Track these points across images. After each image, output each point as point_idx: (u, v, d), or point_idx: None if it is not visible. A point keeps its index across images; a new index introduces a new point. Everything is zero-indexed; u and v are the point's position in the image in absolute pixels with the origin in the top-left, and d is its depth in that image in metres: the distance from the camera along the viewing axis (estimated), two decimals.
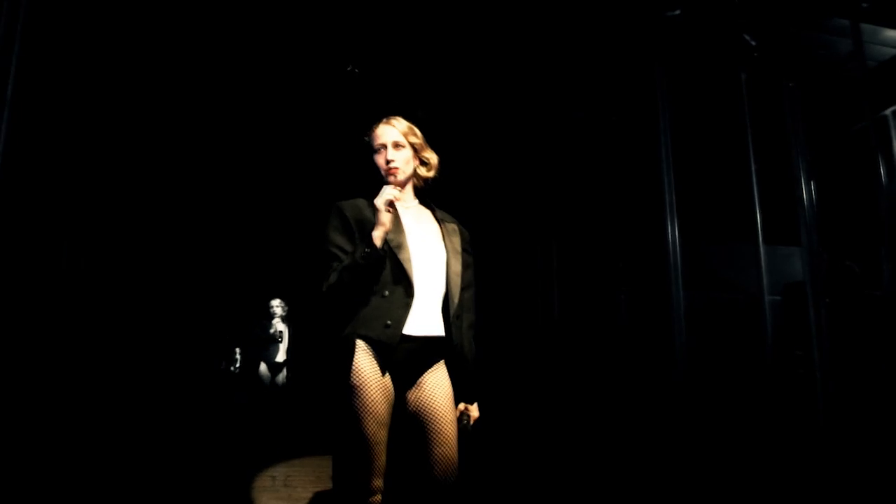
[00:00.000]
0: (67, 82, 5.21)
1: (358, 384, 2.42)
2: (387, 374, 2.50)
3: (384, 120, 2.75)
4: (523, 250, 7.14)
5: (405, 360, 2.54)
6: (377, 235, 2.47)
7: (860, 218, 6.01)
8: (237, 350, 8.73)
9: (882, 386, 4.13)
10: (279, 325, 8.25)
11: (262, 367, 8.13)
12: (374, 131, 2.72)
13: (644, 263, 6.48)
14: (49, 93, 4.78)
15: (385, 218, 2.48)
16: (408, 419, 2.58)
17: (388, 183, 2.65)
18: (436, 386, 2.58)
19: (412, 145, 2.72)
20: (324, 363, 2.64)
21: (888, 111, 6.00)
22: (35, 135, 4.37)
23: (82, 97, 5.51)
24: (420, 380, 2.58)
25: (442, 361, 2.65)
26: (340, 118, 6.68)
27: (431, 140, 2.83)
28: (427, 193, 2.87)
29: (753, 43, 4.90)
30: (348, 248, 2.54)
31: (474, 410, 2.70)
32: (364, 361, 2.45)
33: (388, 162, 2.67)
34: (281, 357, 8.20)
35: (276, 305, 8.32)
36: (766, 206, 5.82)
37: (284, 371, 8.16)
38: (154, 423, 6.91)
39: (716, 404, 5.24)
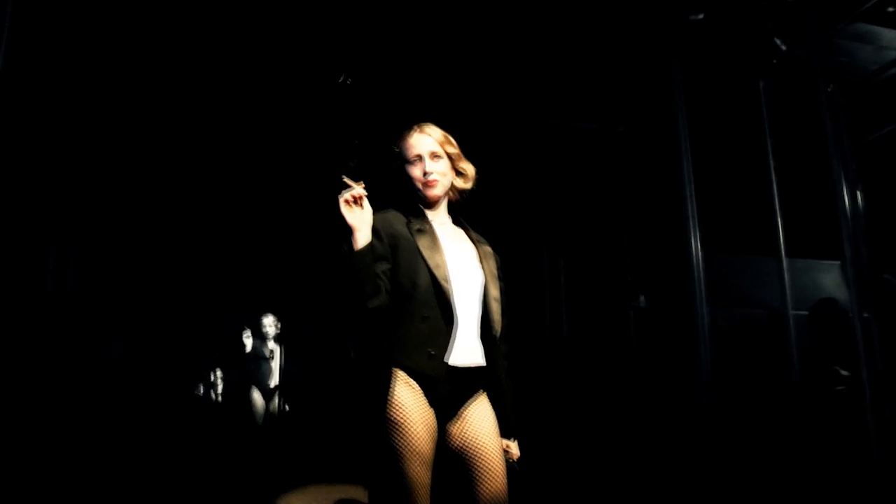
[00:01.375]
0: (45, 86, 4.90)
1: (400, 420, 2.21)
2: (430, 408, 2.30)
3: (416, 128, 2.55)
4: (529, 266, 6.87)
5: (448, 392, 2.36)
6: (353, 239, 2.25)
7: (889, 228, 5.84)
8: (218, 372, 7.99)
9: None
10: (271, 345, 7.71)
11: (255, 393, 7.48)
12: (406, 140, 2.53)
13: (659, 277, 6.23)
14: (28, 96, 4.46)
15: (351, 219, 2.24)
16: (450, 455, 2.36)
17: (425, 196, 2.51)
18: (481, 419, 2.37)
19: (448, 155, 2.55)
20: (341, 390, 2.34)
21: None
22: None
23: (55, 102, 5.20)
24: (463, 412, 2.38)
25: (484, 393, 2.45)
26: (331, 125, 6.43)
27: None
28: (458, 210, 2.67)
29: (784, 47, 4.69)
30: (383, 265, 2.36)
31: (515, 448, 2.51)
32: (406, 395, 2.26)
33: (425, 174, 2.48)
34: (274, 381, 7.56)
35: (269, 325, 7.65)
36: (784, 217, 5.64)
37: (277, 398, 7.58)
38: (121, 461, 6.12)
39: (743, 427, 4.98)
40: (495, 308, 2.48)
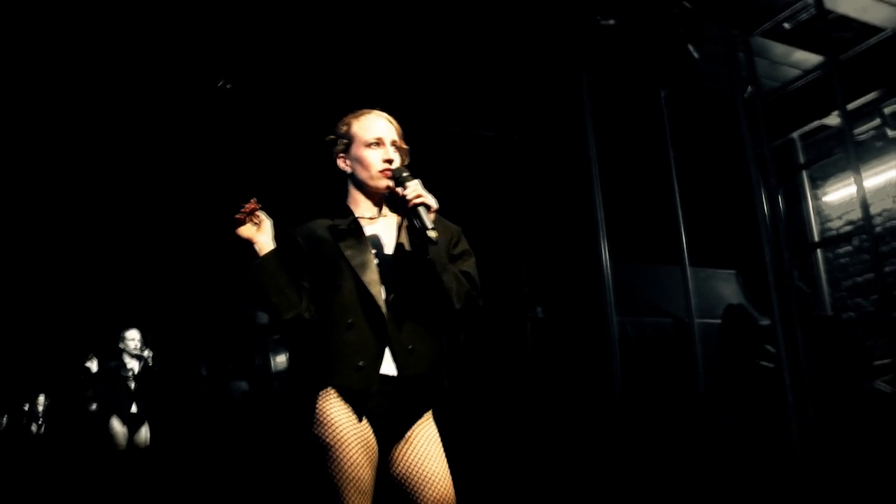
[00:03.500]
0: None
1: (331, 442, 1.95)
2: (368, 427, 2.03)
3: (373, 112, 2.28)
4: None
5: (389, 408, 2.07)
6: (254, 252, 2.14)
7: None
8: (41, 399, 6.99)
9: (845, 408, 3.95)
10: (132, 363, 6.65)
11: (115, 421, 6.37)
12: (360, 120, 2.25)
13: (562, 287, 6.14)
14: None
15: (245, 233, 2.14)
16: (392, 484, 2.06)
17: (372, 186, 2.21)
18: (428, 442, 2.08)
19: (400, 151, 2.26)
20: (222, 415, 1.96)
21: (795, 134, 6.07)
22: None
23: None
24: (408, 433, 2.09)
25: (430, 413, 2.15)
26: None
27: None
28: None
29: (696, 55, 4.70)
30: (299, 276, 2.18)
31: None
32: (337, 413, 1.99)
33: (387, 161, 2.18)
34: (136, 407, 6.47)
35: (132, 338, 6.58)
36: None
37: (146, 427, 6.59)
38: None
39: (656, 437, 4.93)
40: None
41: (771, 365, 4.32)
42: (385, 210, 2.28)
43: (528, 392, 5.99)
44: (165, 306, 6.97)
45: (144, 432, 6.49)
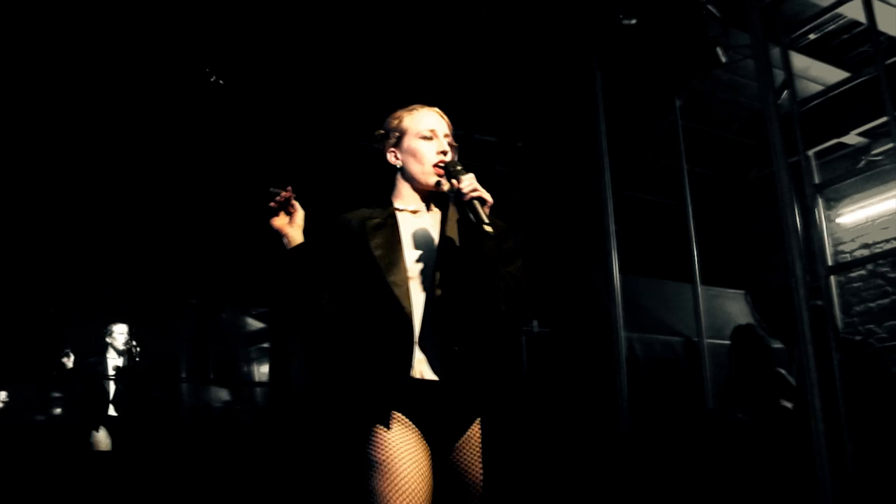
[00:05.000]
0: None
1: (379, 459, 1.85)
2: (415, 437, 1.91)
3: (425, 106, 2.22)
4: None
5: (433, 414, 1.95)
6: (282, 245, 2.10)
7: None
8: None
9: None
10: (116, 361, 6.27)
11: (101, 432, 5.80)
12: (412, 114, 2.19)
13: (559, 299, 5.88)
14: None
15: (276, 223, 2.09)
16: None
17: (422, 181, 2.13)
18: (469, 455, 1.96)
19: (451, 147, 2.18)
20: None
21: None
22: None
23: None
24: (458, 444, 1.97)
25: (478, 422, 1.99)
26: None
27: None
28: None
29: (724, 58, 4.49)
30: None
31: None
32: (381, 427, 1.89)
33: (442, 153, 2.11)
34: (111, 408, 5.87)
35: (120, 332, 6.08)
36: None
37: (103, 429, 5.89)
38: None
39: (662, 459, 4.66)
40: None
41: (790, 405, 4.10)
42: (431, 206, 2.20)
43: (523, 410, 5.72)
44: (148, 304, 6.58)
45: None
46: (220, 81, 5.55)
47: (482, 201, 1.93)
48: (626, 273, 5.13)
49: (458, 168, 2.01)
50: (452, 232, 2.08)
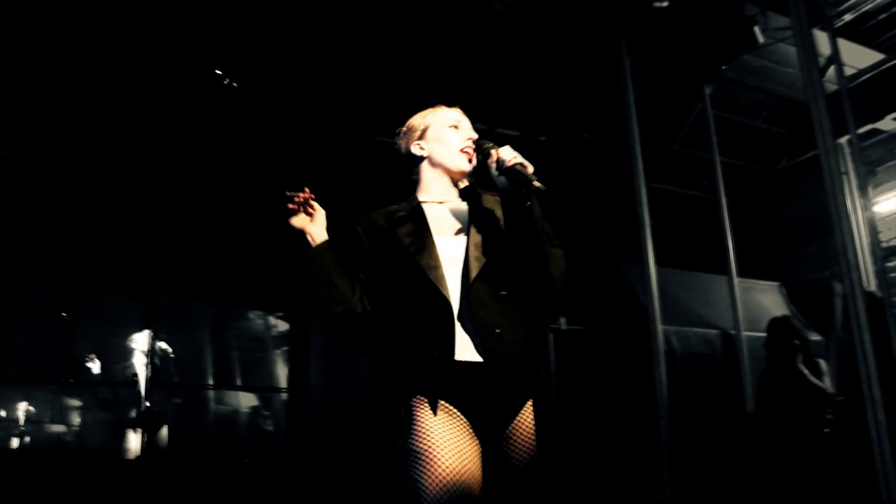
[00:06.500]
0: None
1: (421, 449, 1.78)
2: (461, 425, 1.83)
3: (443, 106, 2.25)
4: None
5: (478, 397, 1.87)
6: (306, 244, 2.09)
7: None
8: (21, 407, 6.35)
9: None
10: (136, 366, 6.15)
11: (131, 437, 5.71)
12: (434, 112, 2.24)
13: (587, 295, 5.71)
14: None
15: (297, 223, 2.08)
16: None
17: (452, 168, 2.15)
18: (522, 440, 1.87)
19: None
20: None
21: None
22: None
23: None
24: (509, 430, 1.88)
25: (529, 405, 1.91)
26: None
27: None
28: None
29: (762, 39, 4.33)
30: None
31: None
32: (423, 416, 1.82)
33: (470, 139, 2.13)
34: (139, 411, 6.02)
35: (146, 335, 5.90)
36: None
37: (141, 432, 6.01)
38: None
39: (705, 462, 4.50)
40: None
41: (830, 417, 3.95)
42: (457, 197, 2.20)
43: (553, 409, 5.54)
44: (172, 306, 6.44)
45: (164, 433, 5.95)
46: (234, 84, 5.51)
47: (523, 167, 1.91)
48: (662, 265, 4.99)
49: (489, 144, 2.02)
50: (482, 217, 2.09)
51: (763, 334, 4.88)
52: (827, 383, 4.67)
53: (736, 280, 5.04)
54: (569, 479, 1.92)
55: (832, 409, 4.38)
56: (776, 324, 4.70)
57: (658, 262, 4.98)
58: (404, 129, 2.25)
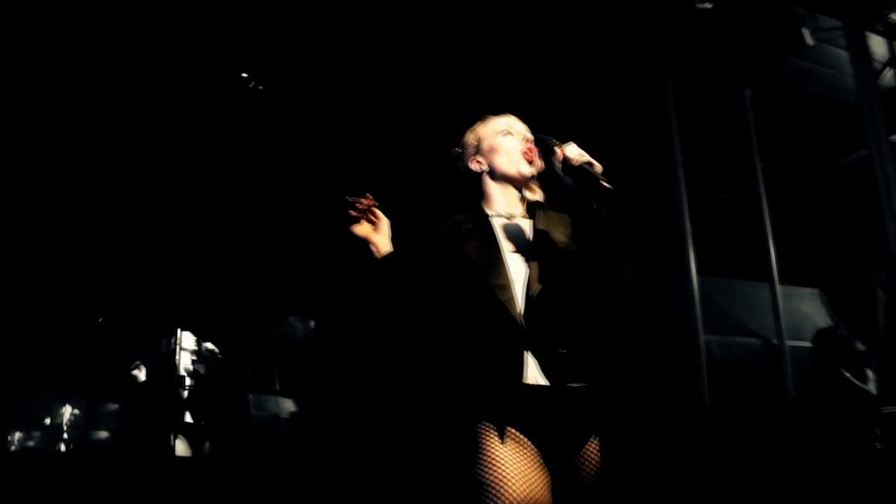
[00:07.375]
0: None
1: (489, 480, 1.68)
2: (529, 453, 1.74)
3: (491, 116, 2.20)
4: None
5: (546, 423, 1.78)
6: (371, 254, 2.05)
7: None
8: (66, 411, 6.10)
9: None
10: (187, 370, 6.01)
11: (179, 441, 5.69)
12: (488, 122, 2.18)
13: (627, 304, 5.60)
14: None
15: (360, 232, 2.05)
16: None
17: (515, 174, 2.08)
18: (591, 473, 1.77)
19: None
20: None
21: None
22: None
23: None
24: (577, 458, 1.78)
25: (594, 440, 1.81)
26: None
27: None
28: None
29: (810, 41, 4.22)
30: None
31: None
32: (490, 444, 1.73)
33: (527, 141, 2.09)
34: (187, 417, 5.92)
35: (190, 339, 6.07)
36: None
37: (187, 439, 5.97)
38: None
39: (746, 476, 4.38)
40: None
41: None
42: (523, 211, 2.12)
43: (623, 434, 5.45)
44: (212, 310, 6.44)
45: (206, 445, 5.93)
46: (260, 87, 5.47)
47: (591, 165, 1.83)
48: (703, 272, 4.89)
49: (553, 140, 1.92)
50: (550, 235, 2.01)
51: (806, 343, 4.77)
52: (872, 389, 4.55)
53: (778, 287, 4.92)
54: None
55: (880, 422, 4.25)
56: (823, 335, 4.57)
57: (701, 269, 4.89)
58: (458, 148, 2.19)
